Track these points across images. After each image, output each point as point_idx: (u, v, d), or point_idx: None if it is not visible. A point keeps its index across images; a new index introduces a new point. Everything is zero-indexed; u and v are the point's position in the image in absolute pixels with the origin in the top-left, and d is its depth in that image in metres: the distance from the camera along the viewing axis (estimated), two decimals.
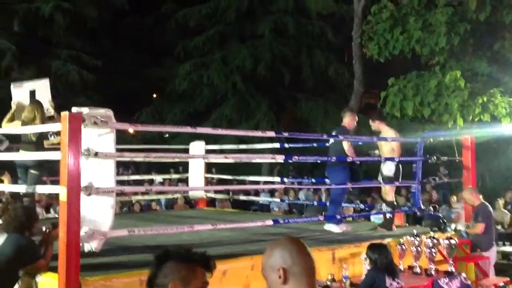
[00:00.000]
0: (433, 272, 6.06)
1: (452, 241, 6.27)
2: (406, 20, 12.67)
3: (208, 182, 9.98)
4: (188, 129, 5.23)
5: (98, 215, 4.57)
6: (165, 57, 24.68)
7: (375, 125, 7.56)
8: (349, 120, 7.31)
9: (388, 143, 7.37)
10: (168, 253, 2.10)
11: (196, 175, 9.30)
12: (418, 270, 6.15)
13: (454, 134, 8.92)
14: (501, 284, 7.17)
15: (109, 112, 4.60)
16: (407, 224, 9.11)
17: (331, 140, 7.31)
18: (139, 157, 5.03)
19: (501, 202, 12.69)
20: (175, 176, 12.45)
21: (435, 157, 7.58)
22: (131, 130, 18.70)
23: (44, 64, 22.76)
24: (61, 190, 4.12)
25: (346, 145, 6.99)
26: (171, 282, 2.01)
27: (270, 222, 5.78)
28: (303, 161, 6.49)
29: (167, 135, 22.08)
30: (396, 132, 7.58)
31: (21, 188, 5.79)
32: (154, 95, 27.62)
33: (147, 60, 25.19)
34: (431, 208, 7.84)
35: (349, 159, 6.90)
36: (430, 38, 12.23)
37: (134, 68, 24.77)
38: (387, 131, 7.48)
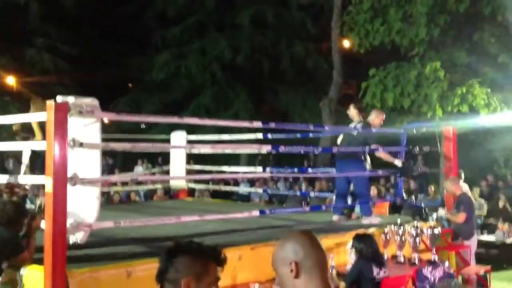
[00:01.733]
0: (416, 261, 6.11)
1: (436, 231, 6.33)
2: (387, 11, 12.74)
3: (188, 172, 9.90)
4: (175, 119, 5.17)
5: (83, 206, 4.48)
6: (143, 47, 24.38)
7: (354, 111, 7.53)
8: (378, 119, 7.24)
9: None
10: (180, 247, 2.05)
11: (178, 165, 9.22)
12: (401, 259, 6.19)
13: (436, 125, 9.00)
14: (482, 272, 7.28)
15: (95, 102, 4.49)
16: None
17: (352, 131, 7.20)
18: (126, 148, 4.92)
19: (476, 191, 12.89)
20: (154, 169, 12.32)
21: (417, 148, 7.63)
22: (106, 119, 18.47)
23: (19, 52, 22.39)
24: (47, 181, 4.03)
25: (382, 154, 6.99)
26: (184, 277, 1.97)
27: (256, 213, 5.76)
28: (287, 151, 6.45)
29: (143, 126, 21.88)
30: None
31: (2, 179, 5.66)
32: (130, 85, 27.30)
33: (125, 49, 24.83)
34: (413, 198, 7.91)
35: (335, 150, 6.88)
36: (410, 29, 12.32)
37: (111, 58, 24.43)
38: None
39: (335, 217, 7.18)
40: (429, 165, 13.60)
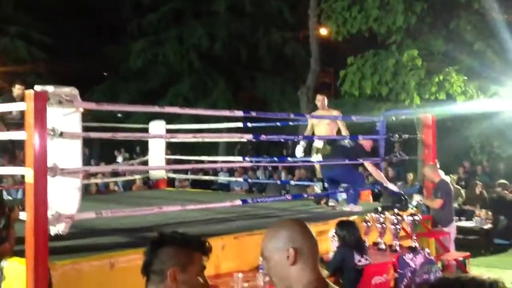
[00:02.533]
0: (397, 248, 6.17)
1: (416, 218, 6.40)
2: None
3: (168, 162, 9.83)
4: (156, 109, 5.10)
5: (64, 197, 4.41)
6: (118, 35, 24.05)
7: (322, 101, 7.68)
8: (366, 143, 7.31)
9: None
10: (164, 238, 2.03)
11: (157, 155, 9.15)
12: (383, 246, 6.24)
13: (415, 112, 9.07)
14: (461, 258, 7.38)
15: (74, 91, 4.42)
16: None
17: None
18: (106, 136, 4.85)
19: (453, 178, 13.07)
20: (133, 160, 12.22)
21: (397, 135, 7.68)
22: (81, 108, 18.19)
23: None
24: (27, 172, 3.96)
25: (371, 168, 7.12)
26: (170, 268, 1.95)
27: (238, 202, 5.74)
28: (269, 140, 6.44)
29: (120, 115, 21.65)
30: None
31: None
32: (105, 74, 26.93)
33: (100, 38, 24.47)
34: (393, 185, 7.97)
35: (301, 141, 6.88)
36: (387, 16, 12.36)
37: (86, 46, 24.04)
38: (333, 111, 7.65)
39: (332, 203, 7.30)
40: (406, 152, 13.73)
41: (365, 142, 7.30)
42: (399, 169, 15.41)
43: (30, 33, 22.55)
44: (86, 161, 17.97)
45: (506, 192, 11.08)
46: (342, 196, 7.46)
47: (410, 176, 13.16)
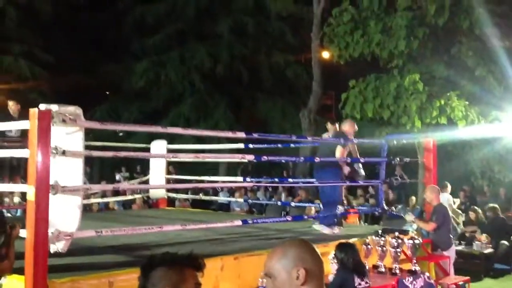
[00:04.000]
0: (397, 271, 6.14)
1: (416, 241, 6.38)
2: (367, 23, 12.87)
3: (168, 182, 9.85)
4: (158, 129, 5.14)
5: (65, 215, 4.42)
6: (121, 55, 24.23)
7: (330, 126, 7.77)
8: (350, 129, 7.34)
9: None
10: (153, 261, 2.04)
11: (157, 174, 9.17)
12: (383, 269, 6.22)
13: (417, 136, 9.11)
14: (461, 282, 7.35)
15: (78, 110, 4.47)
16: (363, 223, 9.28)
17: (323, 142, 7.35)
18: (108, 155, 4.88)
19: (456, 202, 13.06)
20: (133, 180, 12.23)
21: (398, 159, 7.71)
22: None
23: None
24: (29, 189, 3.97)
25: (339, 151, 7.03)
26: None
27: (239, 222, 5.74)
28: (270, 161, 6.47)
29: (121, 134, 21.69)
30: None
31: None
32: (108, 93, 27.06)
33: (103, 57, 24.66)
34: (393, 208, 7.98)
35: (316, 159, 6.92)
36: (389, 41, 12.46)
37: (89, 65, 24.20)
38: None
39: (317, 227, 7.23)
40: (407, 175, 13.74)
41: (348, 129, 7.33)
42: (400, 192, 15.41)
43: (33, 51, 22.69)
44: (88, 180, 17.99)
45: (509, 215, 11.07)
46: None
47: (412, 199, 13.14)
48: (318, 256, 2.02)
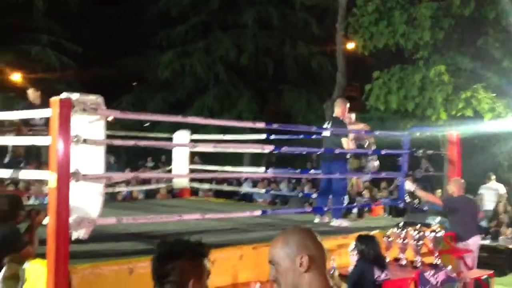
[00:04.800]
0: (419, 265, 6.10)
1: (438, 234, 6.32)
2: (391, 13, 12.73)
3: (192, 172, 9.90)
4: (179, 118, 5.17)
5: (86, 202, 4.48)
6: (146, 46, 24.40)
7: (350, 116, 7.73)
8: (341, 110, 7.28)
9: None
10: (175, 250, 2.16)
11: (181, 164, 9.23)
12: (404, 262, 6.18)
13: (441, 129, 9.01)
14: (484, 277, 7.25)
15: (99, 99, 4.50)
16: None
17: (325, 132, 7.27)
18: (129, 145, 4.93)
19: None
20: (158, 169, 12.34)
21: (421, 151, 7.64)
22: (110, 118, 18.51)
23: (23, 49, 22.42)
24: (50, 177, 4.04)
25: (345, 142, 6.99)
26: (190, 280, 2.11)
27: (258, 213, 5.76)
28: (289, 152, 6.46)
29: (147, 124, 21.89)
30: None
31: (5, 173, 5.66)
32: (134, 84, 27.32)
33: (128, 48, 24.88)
34: (416, 201, 7.92)
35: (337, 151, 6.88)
36: (414, 32, 12.31)
37: (114, 56, 24.46)
38: (359, 124, 7.68)
39: (318, 219, 7.20)
40: (434, 168, 13.60)
41: (341, 111, 7.26)
42: (426, 185, 15.24)
43: (61, 41, 22.98)
44: (113, 169, 18.19)
45: None
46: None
47: (438, 192, 13.00)
48: (320, 244, 2.03)
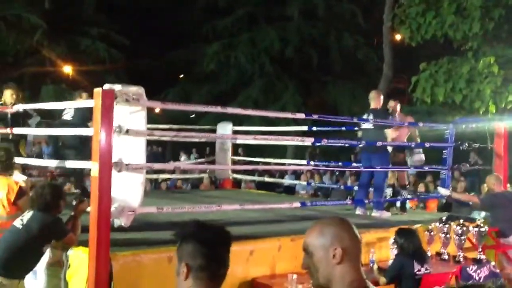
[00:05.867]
0: (461, 259, 5.98)
1: (482, 229, 6.18)
2: (440, 4, 12.43)
3: (234, 163, 10.00)
4: (218, 109, 5.21)
5: (128, 191, 4.59)
6: (192, 38, 24.64)
7: (394, 106, 7.58)
8: (378, 102, 7.23)
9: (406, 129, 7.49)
10: (221, 239, 2.13)
11: (223, 155, 9.33)
12: (446, 256, 6.08)
13: (487, 121, 8.78)
14: None
15: (141, 90, 4.60)
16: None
17: (365, 124, 7.22)
18: (169, 136, 5.01)
19: None
20: (202, 158, 12.50)
21: (466, 144, 7.47)
22: (157, 109, 18.85)
23: (74, 42, 23.00)
24: (93, 166, 4.15)
25: (392, 132, 6.97)
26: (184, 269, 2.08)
27: (297, 204, 5.76)
28: (331, 144, 6.44)
29: (193, 116, 22.16)
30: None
31: (51, 163, 5.85)
32: (181, 76, 27.65)
33: (174, 40, 25.18)
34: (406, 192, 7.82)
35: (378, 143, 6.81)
36: (463, 22, 11.99)
37: (161, 48, 24.80)
38: (405, 117, 7.57)
39: (359, 211, 7.18)
40: (483, 162, 13.26)
41: (379, 103, 7.25)
42: (473, 179, 14.88)
43: (110, 34, 23.46)
44: (158, 159, 18.51)
45: None
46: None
47: (484, 187, 12.67)
48: (356, 236, 2.00)
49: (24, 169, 6.58)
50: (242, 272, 4.75)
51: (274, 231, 5.46)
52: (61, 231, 4.39)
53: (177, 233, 2.13)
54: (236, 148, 9.62)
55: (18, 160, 5.72)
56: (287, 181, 13.73)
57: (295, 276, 4.56)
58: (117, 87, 4.35)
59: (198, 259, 2.01)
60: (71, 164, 5.64)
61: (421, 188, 12.05)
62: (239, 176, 10.51)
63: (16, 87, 6.78)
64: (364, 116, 7.25)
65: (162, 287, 4.22)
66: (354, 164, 8.21)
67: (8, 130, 6.27)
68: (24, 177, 5.58)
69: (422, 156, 7.65)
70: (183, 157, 19.20)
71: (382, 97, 7.36)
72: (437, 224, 6.25)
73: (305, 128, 8.59)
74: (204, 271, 2.01)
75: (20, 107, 6.51)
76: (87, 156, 4.80)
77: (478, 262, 6.00)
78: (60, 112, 6.84)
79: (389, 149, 7.29)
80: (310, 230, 2.04)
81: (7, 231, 4.41)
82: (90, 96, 8.13)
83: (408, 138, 7.88)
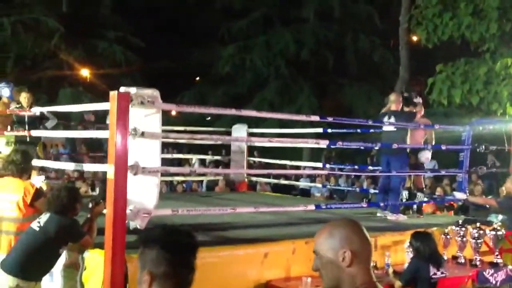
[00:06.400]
0: (478, 263, 5.93)
1: (499, 233, 6.12)
2: (456, 5, 12.38)
3: (250, 165, 10.00)
4: (232, 111, 5.22)
5: (143, 193, 4.61)
6: (208, 40, 24.70)
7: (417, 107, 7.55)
8: (398, 104, 7.23)
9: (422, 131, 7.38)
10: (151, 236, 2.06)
11: (238, 158, 9.34)
12: (462, 260, 6.03)
13: (504, 123, 8.67)
14: None
15: (156, 93, 4.62)
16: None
17: (387, 127, 7.20)
18: (184, 139, 5.03)
19: None
20: (215, 157, 12.51)
21: (483, 146, 7.39)
22: (173, 112, 18.91)
23: (91, 45, 23.19)
24: (108, 168, 4.17)
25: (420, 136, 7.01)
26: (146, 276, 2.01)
27: (312, 207, 5.75)
28: (346, 147, 6.41)
29: (209, 118, 22.21)
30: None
31: (68, 166, 5.90)
32: (197, 78, 27.73)
33: (190, 42, 25.26)
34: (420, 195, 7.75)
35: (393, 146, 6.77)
36: (480, 24, 11.91)
37: (177, 50, 24.89)
38: (420, 119, 7.51)
39: (379, 213, 7.21)
40: (501, 165, 13.10)
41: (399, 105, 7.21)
42: (491, 182, 14.71)
43: (126, 36, 23.62)
44: (173, 162, 18.55)
45: None
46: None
47: (503, 190, 12.52)
48: (366, 238, 1.98)
49: (42, 171, 6.65)
50: (257, 275, 4.75)
51: (288, 234, 5.45)
52: (78, 234, 4.42)
53: (139, 239, 2.00)
54: (252, 150, 9.62)
55: (36, 162, 5.78)
56: (302, 183, 13.70)
57: (309, 279, 4.56)
58: (132, 90, 4.38)
59: (162, 266, 1.90)
60: (87, 167, 5.68)
61: (439, 191, 11.95)
62: (254, 179, 10.51)
63: (27, 90, 6.88)
64: (385, 119, 7.20)
65: None
66: (370, 168, 8.16)
67: (26, 133, 6.35)
68: (43, 178, 5.64)
69: (429, 154, 7.61)
70: (193, 159, 19.22)
71: (401, 99, 7.32)
72: (454, 227, 6.20)
73: (320, 130, 8.56)
74: (169, 279, 1.90)
75: (37, 109, 6.59)
76: None
77: (494, 265, 5.95)
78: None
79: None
80: (319, 232, 2.03)
81: (24, 233, 4.45)
82: (48, 96, 8.25)
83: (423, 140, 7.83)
